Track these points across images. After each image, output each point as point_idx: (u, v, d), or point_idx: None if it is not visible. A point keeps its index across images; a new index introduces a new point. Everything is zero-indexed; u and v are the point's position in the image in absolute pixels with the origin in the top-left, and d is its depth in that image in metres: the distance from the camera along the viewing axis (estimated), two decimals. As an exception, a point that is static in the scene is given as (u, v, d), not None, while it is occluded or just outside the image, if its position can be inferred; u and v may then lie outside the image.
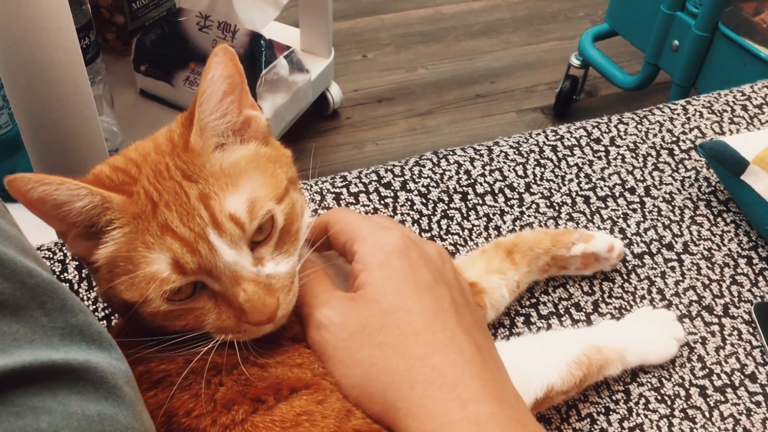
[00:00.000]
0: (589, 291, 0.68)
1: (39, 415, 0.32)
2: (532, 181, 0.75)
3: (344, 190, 0.72)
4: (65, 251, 0.65)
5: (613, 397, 0.62)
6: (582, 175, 0.76)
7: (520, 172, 0.75)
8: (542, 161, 0.76)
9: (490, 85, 1.88)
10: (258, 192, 0.46)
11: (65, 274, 0.64)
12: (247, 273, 0.45)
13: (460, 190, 0.73)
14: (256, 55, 1.39)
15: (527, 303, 0.67)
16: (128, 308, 0.46)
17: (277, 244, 0.47)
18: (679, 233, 0.72)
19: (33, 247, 0.39)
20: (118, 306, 0.47)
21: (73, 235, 0.46)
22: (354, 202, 0.71)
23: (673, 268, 0.70)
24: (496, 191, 0.74)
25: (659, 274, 0.69)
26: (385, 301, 0.47)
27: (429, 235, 0.70)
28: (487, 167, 0.75)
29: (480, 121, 1.79)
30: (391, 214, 0.71)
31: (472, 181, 0.74)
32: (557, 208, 0.73)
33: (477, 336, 0.48)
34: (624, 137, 0.79)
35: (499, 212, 0.72)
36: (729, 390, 0.63)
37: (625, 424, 0.60)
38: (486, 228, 0.71)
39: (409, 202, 0.72)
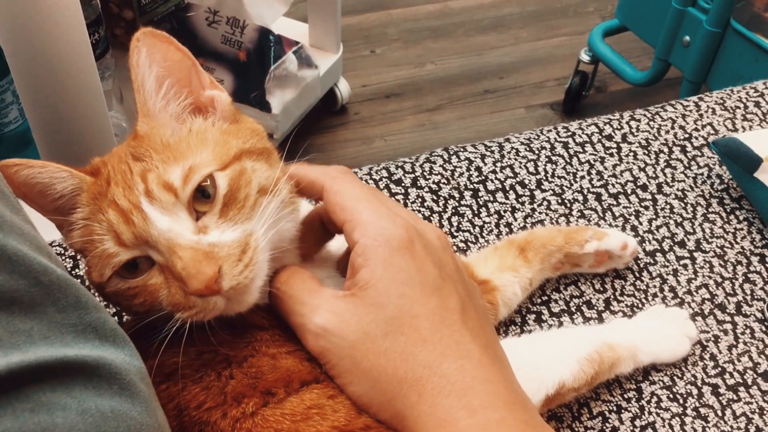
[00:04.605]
0: (601, 289, 0.68)
1: (54, 410, 0.32)
2: (544, 178, 0.74)
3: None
4: (76, 247, 0.65)
5: (625, 396, 0.62)
6: (594, 172, 0.75)
7: (532, 169, 0.75)
8: (553, 158, 0.76)
9: (498, 81, 1.87)
10: (199, 161, 0.45)
11: (77, 270, 0.64)
12: (184, 240, 0.43)
13: (471, 186, 0.73)
14: (265, 50, 1.39)
15: (538, 300, 0.66)
16: (102, 292, 0.47)
17: (222, 212, 0.45)
18: (691, 231, 0.72)
19: (47, 244, 0.39)
20: (98, 293, 0.47)
21: (68, 227, 0.47)
22: (364, 198, 0.71)
23: (685, 266, 0.69)
24: (507, 188, 0.73)
25: (671, 272, 0.69)
26: (389, 305, 0.44)
27: (440, 231, 0.70)
28: (498, 164, 0.75)
29: (489, 117, 1.78)
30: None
31: (483, 177, 0.74)
32: (569, 205, 0.73)
33: (482, 335, 0.46)
34: (636, 134, 0.79)
35: (510, 209, 0.72)
36: (741, 389, 0.62)
37: (637, 423, 0.60)
38: (497, 225, 0.71)
39: (419, 199, 0.72)
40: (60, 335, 0.35)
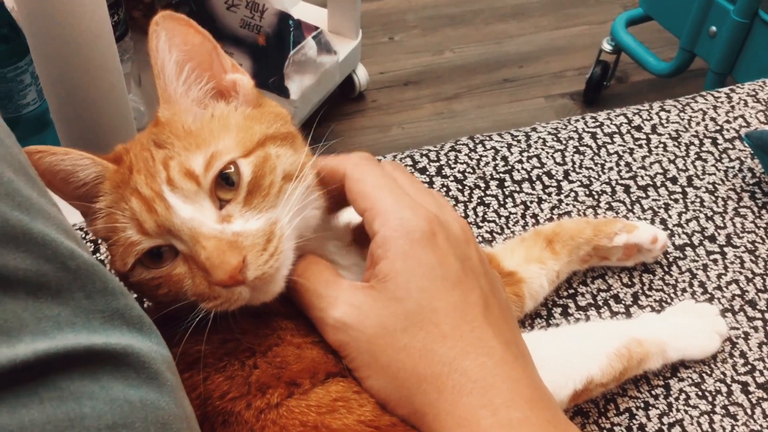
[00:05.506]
0: (629, 282, 0.66)
1: (82, 399, 0.31)
2: (571, 168, 0.73)
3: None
4: (97, 231, 0.64)
5: (653, 392, 0.60)
6: (622, 163, 0.74)
7: (559, 159, 0.74)
8: (581, 148, 0.75)
9: (518, 70, 1.85)
10: (222, 147, 0.44)
11: (97, 255, 0.63)
12: (208, 229, 0.42)
13: (497, 176, 0.72)
14: (285, 35, 1.38)
15: (565, 294, 0.65)
16: (126, 282, 0.46)
17: (246, 200, 0.44)
18: (722, 225, 0.70)
19: (72, 227, 0.38)
20: (123, 283, 0.46)
21: (92, 215, 0.47)
22: (388, 186, 0.70)
23: (715, 261, 0.68)
24: (534, 178, 0.72)
25: (701, 267, 0.68)
26: (408, 299, 0.43)
27: (464, 221, 0.69)
28: (525, 153, 0.74)
29: (507, 106, 1.76)
30: (426, 199, 0.69)
31: (510, 167, 0.72)
32: (596, 197, 0.71)
33: (505, 330, 0.45)
34: (666, 125, 0.77)
35: (536, 200, 0.71)
36: (772, 387, 0.61)
37: (665, 420, 0.59)
38: (523, 216, 0.70)
39: (444, 188, 0.71)
40: (87, 321, 0.34)
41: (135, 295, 0.60)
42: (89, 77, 0.85)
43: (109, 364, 0.33)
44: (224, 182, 0.44)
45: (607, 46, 1.70)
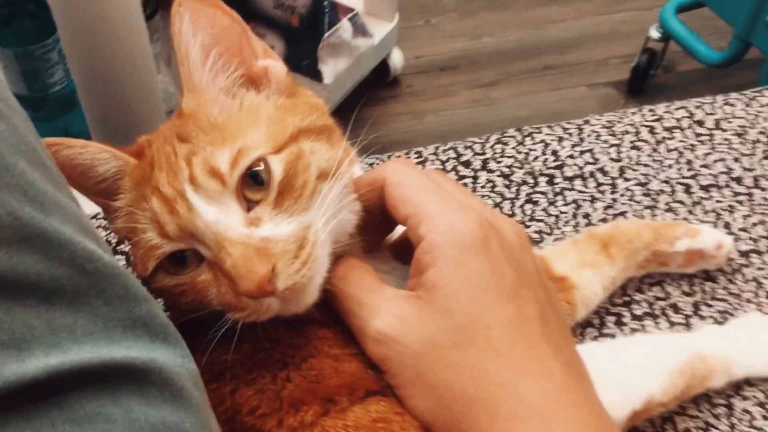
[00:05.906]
0: (689, 291, 0.61)
1: (98, 422, 0.28)
2: (627, 165, 0.68)
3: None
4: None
5: (714, 411, 0.56)
6: (683, 160, 0.69)
7: (614, 155, 0.68)
8: (638, 143, 0.69)
9: (559, 57, 1.79)
10: (251, 142, 0.41)
11: (121, 247, 0.60)
12: (233, 234, 0.39)
13: (547, 172, 0.67)
14: (319, 16, 1.34)
15: (619, 301, 0.60)
16: (148, 288, 0.42)
17: (277, 201, 0.40)
18: (791, 230, 0.65)
19: (92, 225, 0.34)
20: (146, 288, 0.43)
21: (113, 213, 0.44)
22: (430, 179, 0.66)
23: (783, 270, 0.63)
24: (587, 175, 0.67)
25: (768, 276, 0.62)
26: (459, 312, 0.39)
27: (511, 219, 0.65)
28: (577, 148, 0.69)
29: (547, 94, 1.70)
30: (471, 194, 0.65)
31: (560, 162, 0.68)
32: (654, 196, 0.66)
33: (564, 348, 0.41)
34: (731, 120, 0.72)
35: (589, 198, 0.66)
36: None
37: (728, 443, 0.54)
38: (574, 216, 0.65)
39: (490, 184, 0.66)
40: (106, 331, 0.30)
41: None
42: (118, 57, 0.83)
43: (129, 381, 0.30)
44: (252, 181, 0.40)
45: (655, 34, 1.63)
